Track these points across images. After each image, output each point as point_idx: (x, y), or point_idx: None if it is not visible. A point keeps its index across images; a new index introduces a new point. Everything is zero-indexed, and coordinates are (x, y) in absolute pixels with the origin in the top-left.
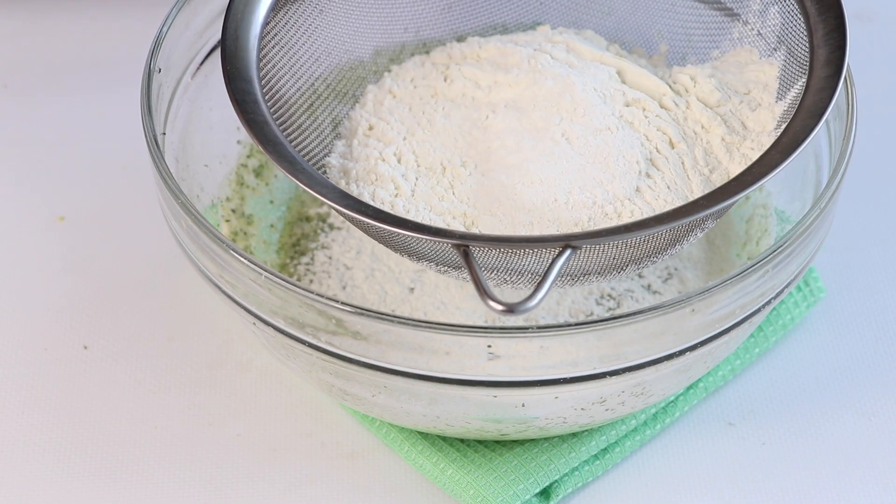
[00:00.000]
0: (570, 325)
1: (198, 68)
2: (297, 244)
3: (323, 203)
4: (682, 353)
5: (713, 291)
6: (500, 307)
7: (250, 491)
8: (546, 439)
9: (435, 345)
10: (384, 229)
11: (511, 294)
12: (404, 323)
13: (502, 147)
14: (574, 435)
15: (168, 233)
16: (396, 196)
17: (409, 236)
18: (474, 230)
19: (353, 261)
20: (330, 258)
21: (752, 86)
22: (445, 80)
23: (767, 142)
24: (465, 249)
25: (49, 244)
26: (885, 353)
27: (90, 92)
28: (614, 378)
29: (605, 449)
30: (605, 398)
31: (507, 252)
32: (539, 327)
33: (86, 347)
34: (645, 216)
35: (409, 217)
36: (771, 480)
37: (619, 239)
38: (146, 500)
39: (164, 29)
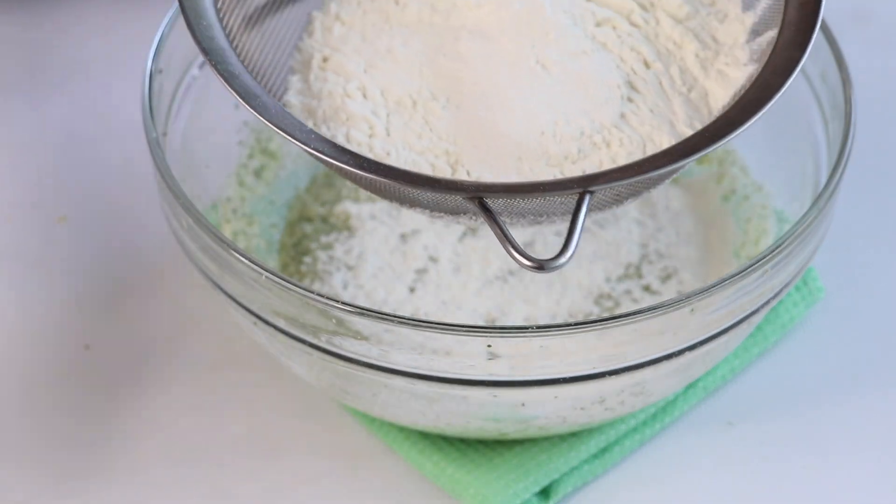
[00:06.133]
0: (569, 325)
1: (199, 69)
2: (297, 244)
3: (318, 159)
4: (681, 352)
5: (712, 291)
6: (529, 263)
7: (250, 491)
8: (546, 438)
9: (435, 345)
10: (388, 183)
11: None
12: (405, 323)
13: (474, 77)
14: (574, 434)
15: (169, 233)
16: (371, 137)
17: (417, 190)
18: (460, 168)
19: (354, 261)
20: (331, 258)
21: None
22: (397, 3)
23: (742, 56)
24: (480, 201)
25: (50, 244)
26: (885, 353)
27: (91, 92)
28: (614, 378)
29: (605, 448)
30: (605, 398)
31: (520, 200)
32: (539, 327)
33: (87, 347)
34: (634, 144)
35: (391, 159)
36: (770, 480)
37: (642, 179)
38: (146, 500)
39: (165, 29)
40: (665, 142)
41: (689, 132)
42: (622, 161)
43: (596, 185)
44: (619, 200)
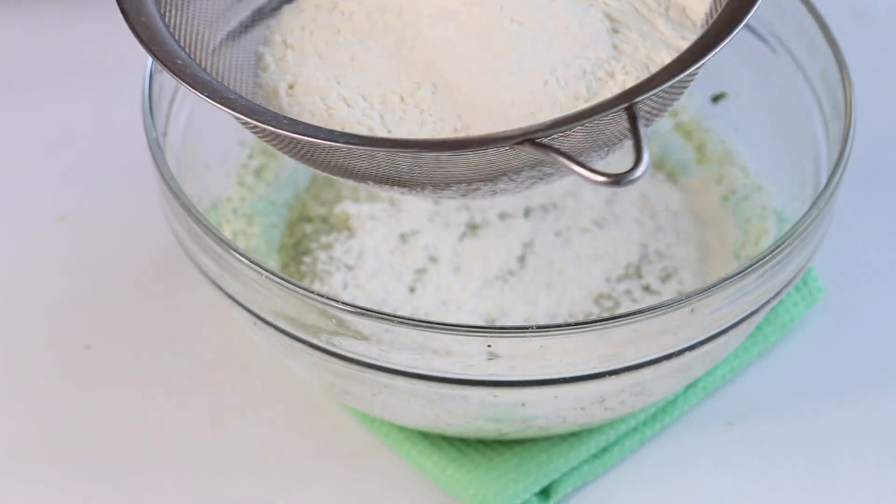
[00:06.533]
0: (569, 325)
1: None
2: (297, 244)
3: (331, 145)
4: (681, 352)
5: (712, 291)
6: (604, 179)
7: (251, 491)
8: (546, 438)
9: (435, 345)
10: (430, 160)
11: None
12: (405, 323)
13: (450, 57)
14: (574, 434)
15: (169, 233)
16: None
17: (466, 154)
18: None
19: (354, 261)
20: (331, 258)
21: None
22: (342, 13)
23: None
24: (532, 143)
25: (50, 244)
26: (885, 352)
27: (91, 92)
28: (614, 378)
29: (605, 448)
30: (605, 398)
31: (569, 133)
32: (539, 327)
33: (87, 347)
34: (638, 68)
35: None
36: (770, 480)
37: (679, 83)
38: (146, 500)
39: None
40: (666, 57)
41: (685, 44)
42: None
43: (639, 95)
44: (661, 109)
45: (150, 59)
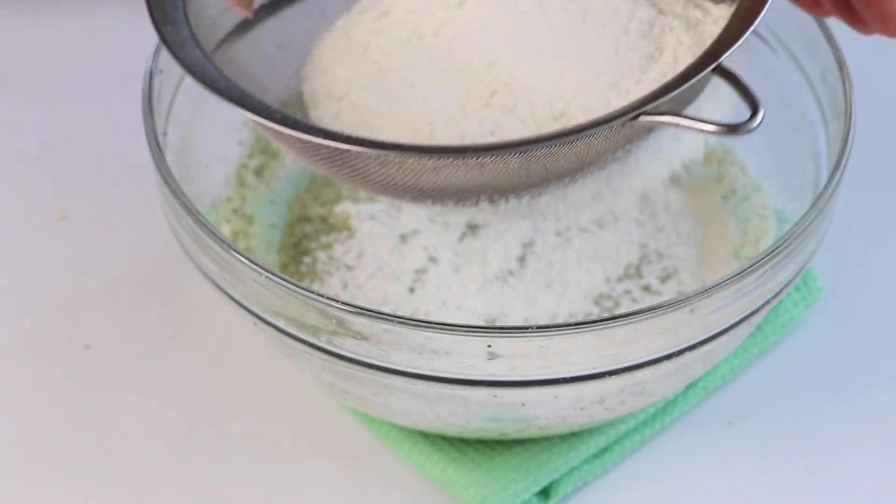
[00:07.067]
0: (569, 325)
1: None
2: (298, 244)
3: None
4: (681, 352)
5: (712, 291)
6: (720, 128)
7: (250, 491)
8: (546, 438)
9: (435, 345)
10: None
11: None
12: (405, 323)
13: (513, 54)
14: (574, 434)
15: (169, 233)
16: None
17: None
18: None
19: (354, 261)
20: (330, 258)
21: None
22: (377, 53)
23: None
24: (640, 115)
25: (50, 244)
26: (885, 352)
27: (91, 92)
28: (614, 378)
29: (605, 448)
30: (605, 398)
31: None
32: (539, 327)
33: (87, 347)
34: (686, 47)
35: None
36: (770, 480)
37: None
38: (146, 500)
39: None
40: (709, 33)
41: (717, 29)
42: (688, 60)
43: (723, 53)
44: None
45: (150, 59)
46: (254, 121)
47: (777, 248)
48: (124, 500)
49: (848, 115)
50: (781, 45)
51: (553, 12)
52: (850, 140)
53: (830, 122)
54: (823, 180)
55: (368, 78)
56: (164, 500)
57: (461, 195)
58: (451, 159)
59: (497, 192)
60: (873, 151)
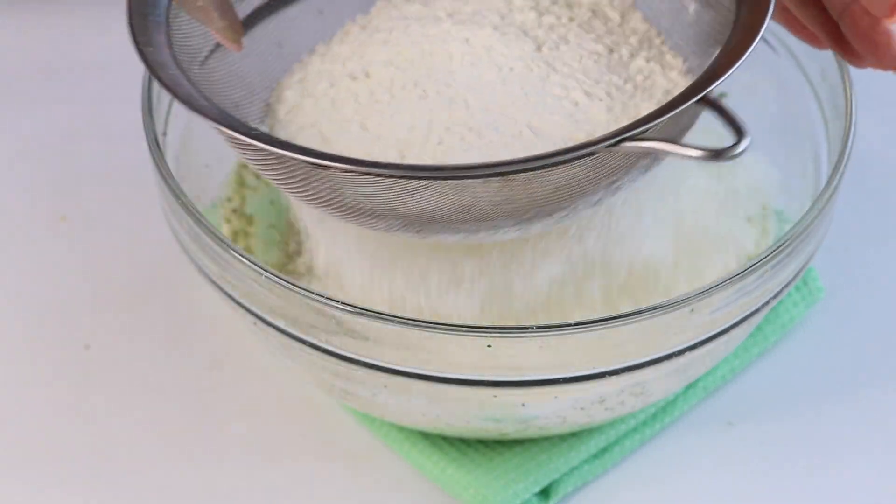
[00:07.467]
0: (569, 325)
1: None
2: (297, 244)
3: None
4: (681, 352)
5: (712, 291)
6: (702, 153)
7: (250, 491)
8: (546, 438)
9: (435, 344)
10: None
11: None
12: (404, 323)
13: (483, 95)
14: (574, 434)
15: (169, 233)
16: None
17: (567, 163)
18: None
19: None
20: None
21: None
22: (357, 75)
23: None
24: (629, 139)
25: (50, 244)
26: (885, 353)
27: (91, 92)
28: (614, 378)
29: (605, 448)
30: (605, 398)
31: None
32: (539, 327)
33: (87, 347)
34: (657, 87)
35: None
36: (770, 480)
37: (742, 61)
38: (146, 500)
39: None
40: (681, 82)
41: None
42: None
43: (712, 83)
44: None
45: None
46: (233, 139)
47: (777, 248)
48: (124, 500)
49: (848, 115)
50: (782, 45)
51: (546, 51)
52: (850, 140)
53: (830, 122)
54: (823, 180)
55: (335, 108)
56: (164, 500)
57: (452, 224)
58: (428, 179)
59: (484, 224)
60: (873, 151)
